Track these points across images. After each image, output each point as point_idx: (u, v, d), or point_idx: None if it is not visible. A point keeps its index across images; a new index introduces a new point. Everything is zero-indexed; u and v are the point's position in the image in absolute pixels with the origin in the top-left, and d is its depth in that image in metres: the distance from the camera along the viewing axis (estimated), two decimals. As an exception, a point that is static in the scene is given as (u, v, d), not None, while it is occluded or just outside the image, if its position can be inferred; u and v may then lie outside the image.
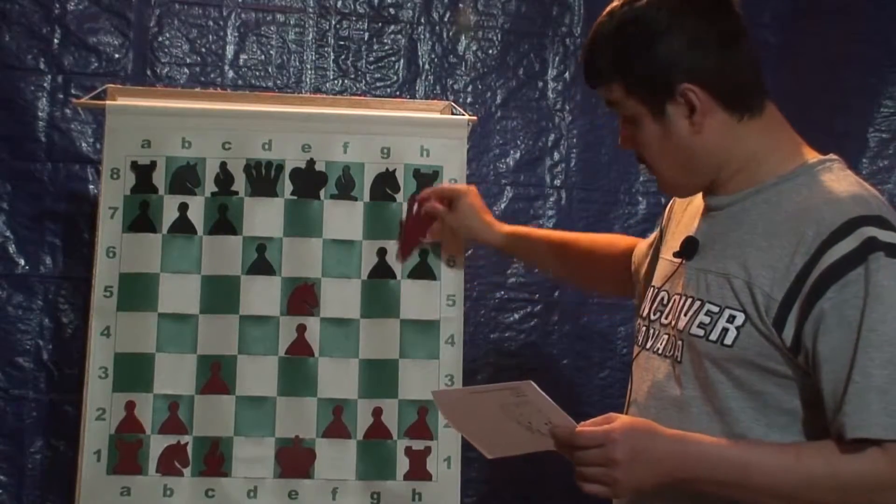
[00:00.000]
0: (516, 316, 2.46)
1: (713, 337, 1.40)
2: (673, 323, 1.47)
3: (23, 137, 2.33)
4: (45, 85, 2.34)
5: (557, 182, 2.50)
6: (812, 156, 1.47)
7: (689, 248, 1.49)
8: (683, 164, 1.46)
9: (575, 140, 2.52)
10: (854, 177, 1.44)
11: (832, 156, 1.48)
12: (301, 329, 2.11)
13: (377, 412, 2.10)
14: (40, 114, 2.34)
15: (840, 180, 1.41)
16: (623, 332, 2.50)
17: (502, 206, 2.48)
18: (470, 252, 2.39)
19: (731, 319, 1.38)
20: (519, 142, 2.50)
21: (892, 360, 1.28)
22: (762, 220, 1.42)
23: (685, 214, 1.62)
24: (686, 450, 1.35)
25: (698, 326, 1.42)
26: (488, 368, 2.42)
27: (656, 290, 1.57)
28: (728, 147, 1.45)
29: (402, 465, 2.09)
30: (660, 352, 1.50)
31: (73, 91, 2.33)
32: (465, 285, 2.19)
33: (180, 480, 2.05)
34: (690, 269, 1.48)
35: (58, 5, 2.35)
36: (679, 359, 1.45)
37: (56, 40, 2.35)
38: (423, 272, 2.14)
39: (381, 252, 2.13)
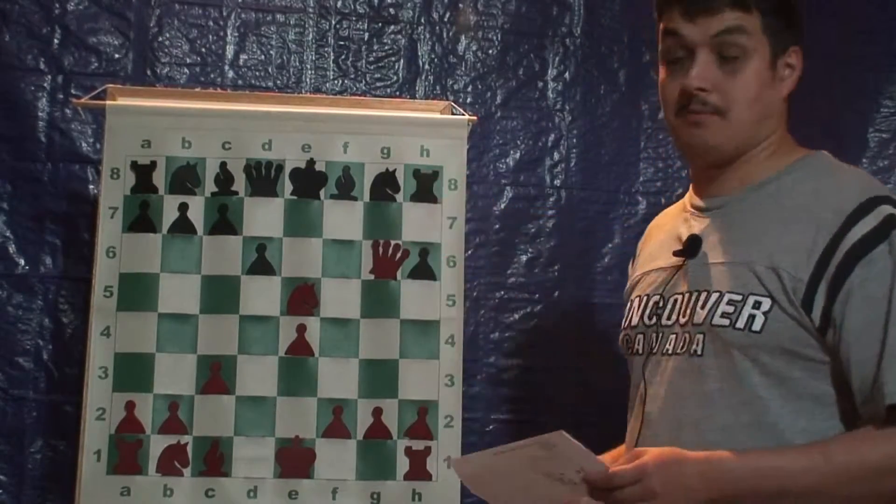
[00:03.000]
0: (516, 316, 2.46)
1: (740, 324, 1.39)
2: (684, 320, 1.46)
3: (23, 137, 2.33)
4: (45, 85, 2.34)
5: (557, 182, 2.50)
6: (804, 151, 1.52)
7: (693, 246, 1.49)
8: (762, 118, 1.48)
9: (575, 140, 2.52)
10: (848, 165, 1.51)
11: (822, 151, 1.52)
12: (301, 329, 2.11)
13: (377, 412, 2.10)
14: (40, 114, 2.34)
15: (841, 168, 1.48)
16: (623, 332, 2.50)
17: (502, 206, 2.48)
18: (470, 252, 2.39)
19: (757, 305, 1.38)
20: (519, 142, 2.50)
21: None
22: (771, 211, 1.44)
23: (659, 234, 1.64)
24: (715, 469, 1.34)
25: (722, 316, 1.40)
26: (488, 368, 2.42)
27: (646, 298, 1.56)
28: (776, 127, 1.50)
29: (402, 465, 2.09)
30: (670, 352, 1.48)
31: (73, 91, 2.33)
32: (465, 285, 2.20)
33: (180, 480, 2.05)
34: (697, 265, 1.48)
35: (58, 5, 2.35)
36: (699, 352, 1.43)
37: (56, 40, 2.35)
38: (423, 272, 2.15)
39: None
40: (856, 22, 2.52)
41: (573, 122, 2.52)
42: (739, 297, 1.40)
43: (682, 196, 2.53)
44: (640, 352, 1.54)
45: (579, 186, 2.51)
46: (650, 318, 1.53)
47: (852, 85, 2.51)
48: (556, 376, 2.44)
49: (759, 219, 1.44)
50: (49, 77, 2.35)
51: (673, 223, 1.60)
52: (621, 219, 2.52)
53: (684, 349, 1.46)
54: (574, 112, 2.53)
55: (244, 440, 2.07)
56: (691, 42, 1.47)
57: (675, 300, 1.49)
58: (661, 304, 1.51)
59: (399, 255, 2.14)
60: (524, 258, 2.47)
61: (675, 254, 1.52)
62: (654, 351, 1.51)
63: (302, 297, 2.12)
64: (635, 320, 1.56)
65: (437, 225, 2.16)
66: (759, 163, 1.49)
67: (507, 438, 2.39)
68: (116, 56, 2.38)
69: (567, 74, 2.53)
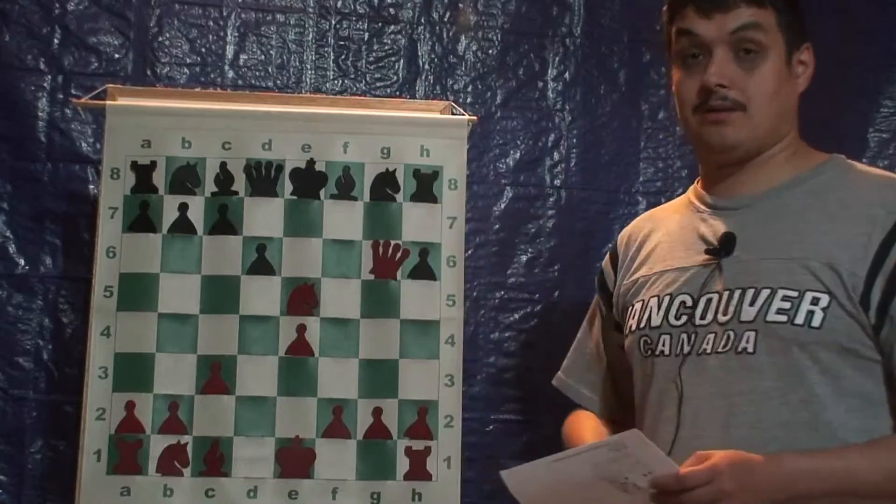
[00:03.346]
0: (516, 316, 2.46)
1: (799, 320, 1.39)
2: (723, 318, 1.45)
3: (23, 137, 2.32)
4: (45, 85, 2.34)
5: (557, 182, 2.50)
6: (823, 153, 1.55)
7: (728, 243, 1.48)
8: (781, 114, 1.50)
9: (575, 140, 2.52)
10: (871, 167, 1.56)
11: (839, 154, 1.56)
12: (301, 329, 2.11)
13: (377, 412, 2.10)
14: (40, 114, 2.33)
15: (871, 169, 1.53)
16: (623, 332, 2.50)
17: (502, 206, 2.47)
18: (470, 252, 2.39)
19: (816, 301, 1.38)
20: (519, 142, 2.50)
21: None
22: (814, 208, 1.45)
23: (658, 231, 1.62)
24: (784, 470, 1.34)
25: (778, 312, 1.40)
26: (488, 368, 2.42)
27: (668, 298, 1.53)
28: (792, 124, 1.52)
29: (402, 465, 2.09)
30: (709, 350, 1.46)
31: (73, 91, 2.33)
32: (465, 285, 2.20)
33: (180, 480, 2.05)
34: (733, 262, 1.47)
35: (58, 5, 2.35)
36: (751, 350, 1.42)
37: (56, 40, 2.35)
38: (423, 272, 2.15)
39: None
40: (856, 22, 2.52)
41: (573, 122, 2.52)
42: (795, 294, 1.39)
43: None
44: (668, 353, 1.51)
45: (579, 186, 2.51)
46: (678, 318, 1.50)
47: (852, 85, 2.51)
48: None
49: (802, 216, 1.44)
50: (49, 77, 2.34)
51: (681, 222, 1.58)
52: (621, 219, 2.52)
53: (727, 347, 1.44)
54: (574, 112, 2.52)
55: (244, 440, 2.07)
56: (708, 40, 1.48)
57: (710, 299, 1.47)
58: (691, 304, 1.49)
59: (399, 255, 2.14)
60: (524, 258, 2.47)
61: (708, 252, 1.50)
62: (688, 352, 1.48)
63: (302, 297, 2.12)
64: (657, 321, 1.53)
65: (437, 225, 2.16)
66: (782, 161, 1.50)
67: (507, 438, 2.40)
68: (116, 56, 2.38)
69: (567, 74, 2.53)
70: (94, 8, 2.37)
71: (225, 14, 2.43)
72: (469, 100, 2.48)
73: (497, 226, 2.47)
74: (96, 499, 2.04)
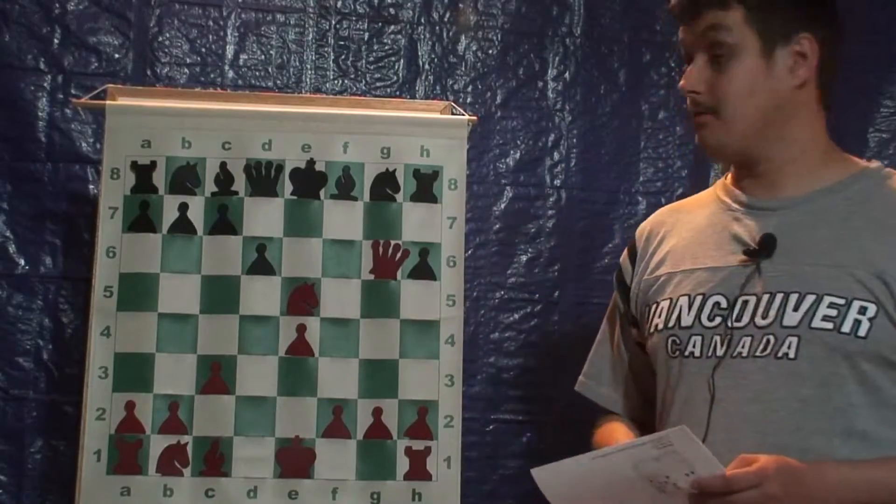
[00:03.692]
0: (516, 316, 2.46)
1: (846, 329, 1.37)
2: (763, 322, 1.42)
3: (23, 137, 2.33)
4: (45, 85, 2.34)
5: (557, 182, 2.50)
6: (861, 160, 1.53)
7: (769, 245, 1.45)
8: (766, 113, 1.45)
9: (575, 140, 2.52)
10: None
11: (877, 161, 1.55)
12: (301, 329, 2.11)
13: (377, 412, 2.10)
14: (40, 114, 2.34)
15: None
16: (623, 332, 2.50)
17: (502, 206, 2.48)
18: (470, 252, 2.39)
19: (863, 311, 1.37)
20: (519, 142, 2.50)
21: None
22: (856, 216, 1.43)
23: (684, 226, 1.59)
24: (828, 478, 1.33)
25: (823, 319, 1.38)
26: (488, 368, 2.42)
27: (699, 298, 1.50)
28: (807, 124, 1.47)
29: (402, 465, 2.09)
30: (745, 354, 1.43)
31: (73, 91, 2.33)
32: (465, 285, 2.20)
33: (180, 480, 2.05)
34: (777, 265, 1.44)
35: (58, 5, 2.35)
36: (792, 356, 1.40)
37: (56, 40, 2.35)
38: (423, 272, 2.15)
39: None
40: (856, 22, 2.52)
41: (573, 122, 2.52)
42: (843, 301, 1.38)
43: (682, 196, 2.55)
44: (698, 354, 1.48)
45: (579, 186, 2.51)
46: (711, 319, 1.47)
47: (852, 85, 2.51)
48: (556, 376, 2.44)
49: (846, 223, 1.42)
50: (49, 77, 2.34)
51: (710, 219, 1.55)
52: (621, 219, 2.52)
53: (767, 352, 1.42)
54: (574, 112, 2.52)
55: (244, 440, 2.07)
56: (689, 47, 1.50)
57: (748, 301, 1.45)
58: (726, 306, 1.46)
59: (399, 255, 2.14)
60: (524, 258, 2.48)
61: (747, 252, 1.47)
62: (722, 354, 1.45)
63: (302, 297, 2.12)
64: (688, 321, 1.50)
65: (437, 225, 2.16)
66: (818, 164, 1.47)
67: (507, 438, 2.40)
68: (116, 56, 2.38)
69: (567, 74, 2.53)
70: (94, 8, 2.37)
71: (225, 14, 2.43)
72: (469, 100, 2.48)
73: (497, 226, 2.47)
74: (96, 499, 2.04)
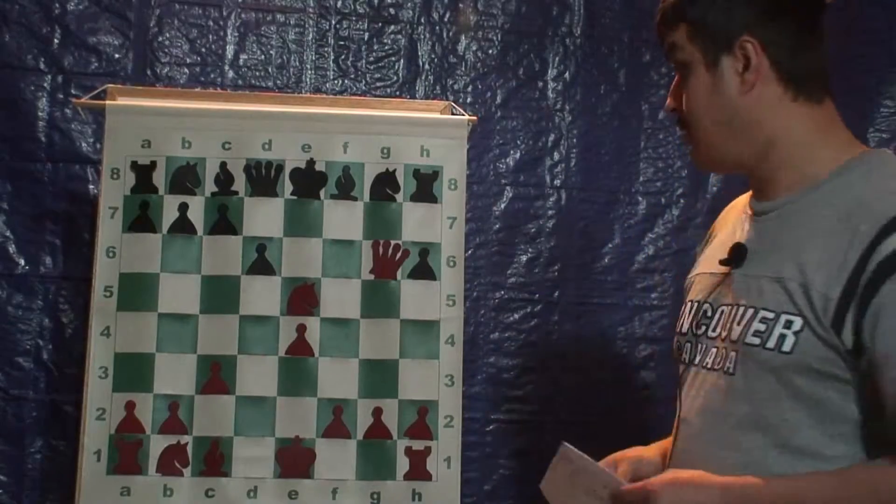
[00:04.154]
0: (516, 316, 2.46)
1: (770, 344, 1.33)
2: (724, 334, 1.41)
3: (23, 137, 2.33)
4: (45, 85, 2.34)
5: (557, 182, 2.50)
6: (863, 149, 1.43)
7: (737, 255, 1.43)
8: (725, 124, 1.42)
9: (575, 140, 2.52)
10: None
11: (885, 150, 1.45)
12: (301, 329, 2.11)
13: (377, 412, 2.10)
14: (40, 114, 2.34)
15: (895, 174, 1.37)
16: (623, 332, 2.50)
17: (502, 206, 2.48)
18: (470, 252, 2.39)
19: (789, 325, 1.32)
20: (519, 142, 2.50)
21: None
22: (816, 219, 1.36)
23: (725, 228, 1.57)
24: (733, 495, 1.31)
25: (754, 335, 1.35)
26: (488, 368, 2.42)
27: (697, 304, 1.50)
28: (776, 123, 1.41)
29: (402, 465, 2.09)
30: (709, 366, 1.43)
31: (73, 91, 2.33)
32: (465, 285, 2.20)
33: (180, 480, 2.05)
34: (740, 276, 1.42)
35: (58, 5, 2.35)
36: (731, 370, 1.38)
37: (56, 40, 2.35)
38: (423, 272, 2.14)
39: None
40: (856, 22, 2.52)
41: (573, 122, 2.52)
42: (772, 315, 1.34)
43: (682, 196, 2.56)
44: (685, 360, 1.49)
45: (579, 186, 2.51)
46: (697, 328, 1.47)
47: (852, 85, 2.51)
48: (556, 376, 2.44)
49: (803, 228, 1.37)
50: (49, 77, 2.35)
51: (734, 222, 1.54)
52: (621, 219, 2.52)
53: (720, 366, 1.41)
54: (574, 112, 2.53)
55: (244, 440, 2.07)
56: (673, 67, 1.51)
57: (722, 311, 1.43)
58: (708, 314, 1.46)
59: (399, 255, 2.14)
60: (524, 258, 2.48)
61: (721, 262, 1.46)
62: (696, 362, 1.46)
63: (302, 297, 2.12)
64: (685, 327, 1.51)
65: (437, 225, 2.16)
66: (802, 162, 1.41)
67: (508, 438, 2.40)
68: (116, 56, 2.38)
69: (567, 74, 2.53)
70: (94, 8, 2.37)
71: (225, 14, 2.43)
72: (469, 100, 2.48)
73: (497, 226, 2.47)
74: (96, 499, 2.04)
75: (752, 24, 1.40)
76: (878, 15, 2.54)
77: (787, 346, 1.32)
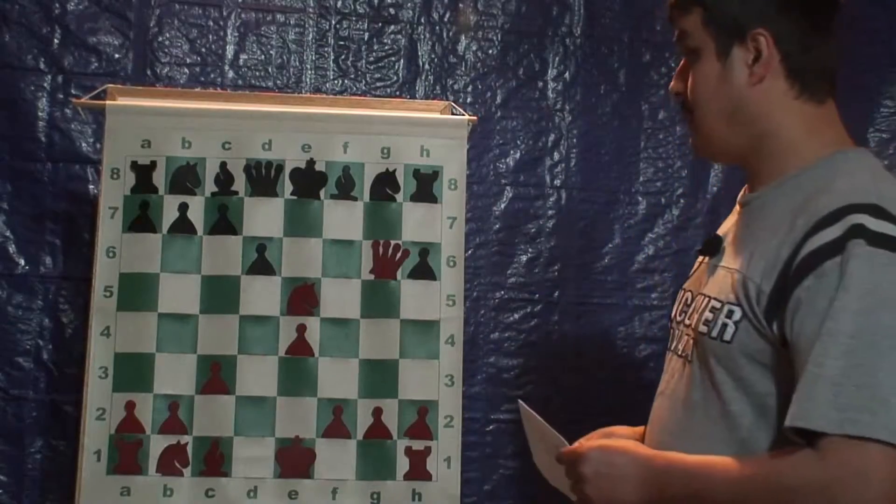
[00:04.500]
0: (516, 316, 2.46)
1: (714, 333, 1.37)
2: (688, 322, 1.46)
3: (23, 137, 2.33)
4: (45, 85, 2.34)
5: (557, 182, 2.50)
6: (832, 149, 1.41)
7: (709, 246, 1.47)
8: (729, 114, 1.43)
9: (575, 140, 2.52)
10: (875, 168, 1.39)
11: (861, 149, 1.44)
12: (301, 329, 2.11)
13: (377, 412, 2.10)
14: (40, 114, 2.34)
15: (854, 171, 1.36)
16: (623, 331, 2.50)
17: (502, 206, 2.48)
18: (470, 252, 2.39)
19: (730, 314, 1.35)
20: (519, 142, 2.50)
21: (848, 352, 1.22)
22: (773, 213, 1.38)
23: (726, 222, 1.60)
24: (652, 468, 1.34)
25: (704, 323, 1.39)
26: (488, 368, 2.42)
27: (683, 293, 1.55)
28: (776, 118, 1.41)
29: (402, 465, 2.09)
30: (680, 352, 1.47)
31: (73, 91, 2.34)
32: (465, 285, 2.20)
33: (180, 480, 2.05)
34: (711, 266, 1.46)
35: (58, 5, 2.35)
36: (690, 358, 1.43)
37: (56, 40, 2.35)
38: (423, 272, 2.14)
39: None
40: (856, 22, 2.52)
41: (573, 122, 2.52)
42: (719, 305, 1.38)
43: (682, 196, 2.56)
44: (669, 346, 1.54)
45: (579, 186, 2.51)
46: (680, 315, 1.52)
47: (852, 85, 2.51)
48: (556, 376, 2.44)
49: (762, 222, 1.40)
50: (49, 77, 2.35)
51: (731, 215, 1.56)
52: (621, 219, 2.52)
53: (683, 353, 1.46)
54: (574, 112, 2.53)
55: (244, 440, 2.07)
56: (679, 52, 1.51)
57: (697, 300, 1.47)
58: (688, 302, 1.50)
59: (399, 255, 2.14)
60: (524, 258, 2.48)
61: (697, 252, 1.52)
62: (672, 347, 1.51)
63: (302, 297, 2.12)
64: (673, 314, 1.56)
65: (437, 225, 2.16)
66: (791, 154, 1.41)
67: (507, 438, 2.40)
68: (116, 56, 2.38)
69: (567, 74, 2.53)
70: (94, 8, 2.37)
71: (225, 14, 2.43)
72: (469, 100, 2.48)
73: (497, 226, 2.47)
74: (96, 499, 2.04)
75: (767, 16, 1.40)
76: (879, 15, 2.54)
77: (727, 336, 1.35)
